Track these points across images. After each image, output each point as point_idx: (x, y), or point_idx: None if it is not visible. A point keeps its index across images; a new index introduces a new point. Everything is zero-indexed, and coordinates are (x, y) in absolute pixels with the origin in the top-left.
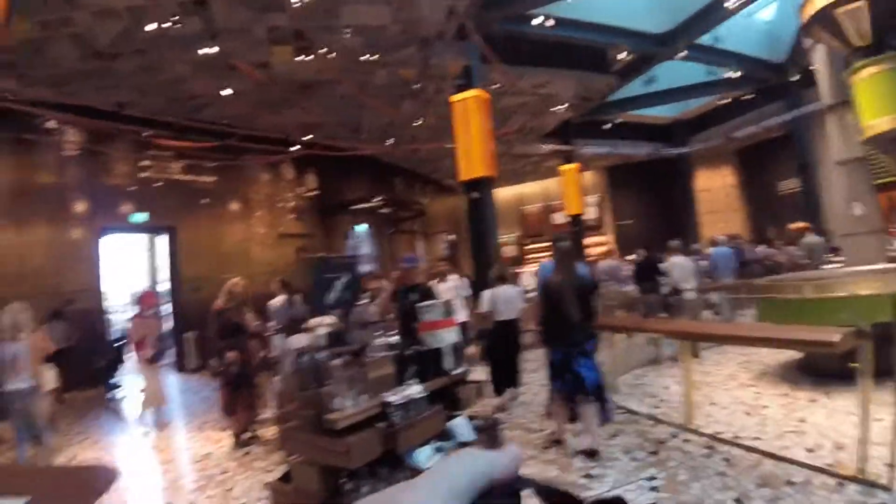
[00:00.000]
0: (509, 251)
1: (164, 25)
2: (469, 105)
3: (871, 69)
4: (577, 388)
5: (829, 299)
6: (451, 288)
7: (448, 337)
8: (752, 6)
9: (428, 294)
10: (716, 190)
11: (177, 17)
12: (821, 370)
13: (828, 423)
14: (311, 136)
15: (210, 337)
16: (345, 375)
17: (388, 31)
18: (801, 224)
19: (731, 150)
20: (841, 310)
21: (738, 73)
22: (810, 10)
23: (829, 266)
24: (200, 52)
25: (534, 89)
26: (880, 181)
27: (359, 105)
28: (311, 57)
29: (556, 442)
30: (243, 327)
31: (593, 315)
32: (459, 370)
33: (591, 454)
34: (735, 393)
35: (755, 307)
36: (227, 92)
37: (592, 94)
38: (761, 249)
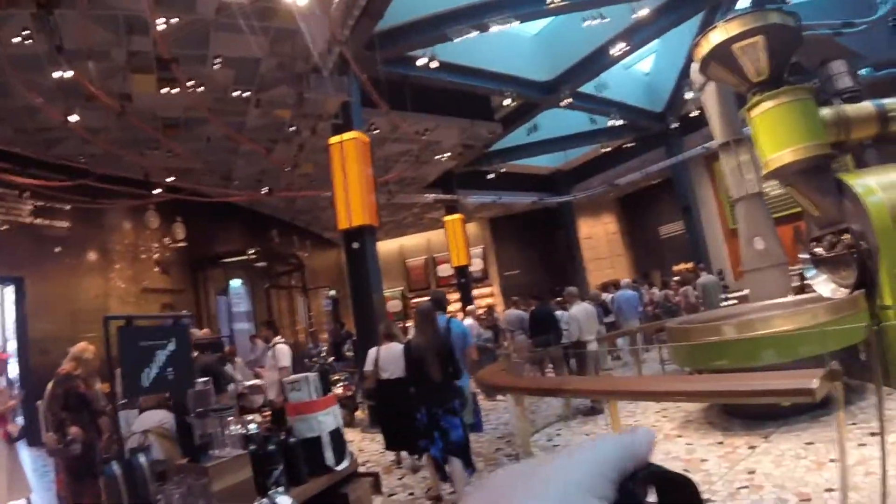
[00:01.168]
0: (393, 306)
1: (13, 41)
2: (347, 148)
3: (769, 104)
4: (445, 446)
5: (751, 339)
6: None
7: (326, 421)
8: (631, 58)
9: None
10: (598, 237)
11: (27, 32)
12: (748, 411)
13: (780, 472)
14: (174, 178)
15: (50, 408)
16: (176, 494)
17: (263, 65)
18: (687, 265)
19: (612, 198)
20: (764, 349)
21: (620, 122)
22: (705, 47)
23: (726, 304)
24: (54, 75)
25: (417, 136)
26: (782, 213)
27: (230, 150)
28: (178, 90)
29: (436, 498)
30: (91, 402)
31: (457, 373)
32: (345, 463)
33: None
34: (664, 447)
35: (671, 352)
36: (84, 124)
37: (476, 142)
38: (658, 292)
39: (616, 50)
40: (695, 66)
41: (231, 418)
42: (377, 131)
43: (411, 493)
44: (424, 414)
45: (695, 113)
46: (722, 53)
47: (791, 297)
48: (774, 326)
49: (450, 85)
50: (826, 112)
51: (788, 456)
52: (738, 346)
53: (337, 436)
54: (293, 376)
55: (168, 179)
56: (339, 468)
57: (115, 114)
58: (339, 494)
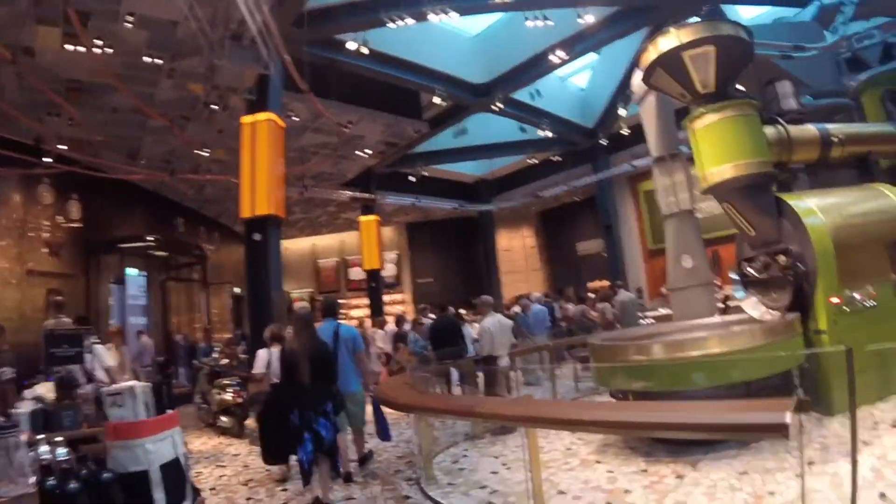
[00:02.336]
0: (300, 307)
1: None
2: (260, 129)
3: (713, 117)
4: (316, 447)
5: (681, 361)
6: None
7: (158, 451)
8: (568, 71)
9: None
10: (516, 250)
11: None
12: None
13: None
14: (71, 150)
15: None
16: None
17: (181, 29)
18: (602, 283)
19: (533, 212)
20: (694, 372)
21: (550, 134)
22: (653, 53)
23: (644, 322)
24: None
25: (339, 127)
26: (712, 235)
27: (138, 124)
28: (84, 49)
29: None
30: None
31: (332, 378)
32: None
33: (318, 502)
34: (583, 475)
35: (593, 371)
36: None
37: (401, 140)
38: (572, 307)
39: (555, 58)
40: (636, 77)
41: (22, 438)
42: (296, 119)
43: None
44: (297, 416)
45: (625, 131)
46: (670, 60)
47: (717, 318)
48: (707, 348)
49: (379, 76)
50: (770, 131)
51: (722, 488)
52: (667, 368)
53: (174, 470)
54: (115, 386)
55: (63, 147)
56: None
57: (10, 68)
58: None
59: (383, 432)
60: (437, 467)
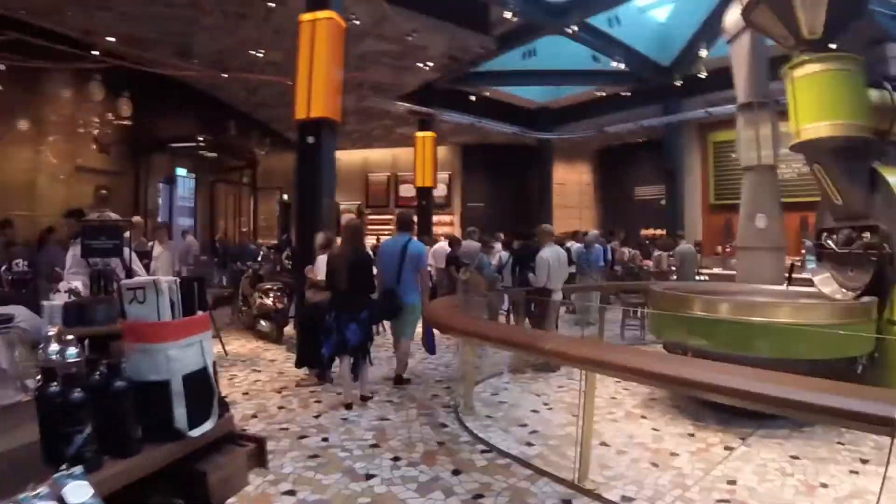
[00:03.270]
0: (349, 219)
1: None
2: (319, 28)
3: (816, 66)
4: (340, 349)
5: (747, 324)
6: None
7: (182, 358)
8: (649, 2)
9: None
10: (571, 184)
11: None
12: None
13: (764, 489)
14: (119, 44)
15: None
16: None
17: None
18: (656, 230)
19: (592, 148)
20: (758, 338)
21: (623, 67)
22: None
23: (699, 278)
24: None
25: (401, 35)
26: (793, 199)
27: (190, 20)
28: None
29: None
30: None
31: (368, 288)
32: (207, 425)
33: (347, 406)
34: (627, 428)
35: (650, 319)
36: None
37: (465, 55)
38: (625, 250)
39: None
40: (732, 11)
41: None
42: (357, 22)
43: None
44: (333, 320)
45: (702, 74)
46: None
47: (784, 287)
48: (777, 316)
49: None
50: (874, 94)
51: (772, 469)
52: (732, 328)
53: (200, 382)
54: (136, 279)
55: (112, 40)
56: (193, 433)
57: None
58: (194, 473)
59: (430, 346)
60: (476, 398)
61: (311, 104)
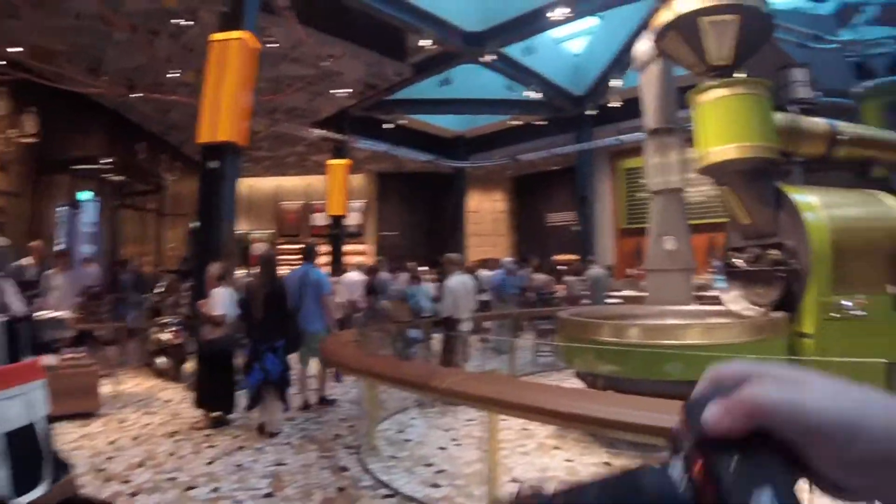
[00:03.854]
0: (259, 249)
1: None
2: (230, 49)
3: (724, 91)
4: (264, 379)
5: (660, 348)
6: None
7: (8, 413)
8: (564, 34)
9: None
10: (485, 213)
11: None
12: None
13: None
14: (26, 56)
15: None
16: None
17: None
18: (570, 256)
19: (506, 176)
20: (671, 362)
21: (538, 96)
22: (670, 14)
23: (610, 301)
24: None
25: (317, 60)
26: (701, 221)
27: (102, 34)
28: None
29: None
30: None
31: (283, 317)
32: (38, 490)
33: (262, 430)
34: (539, 461)
35: (561, 347)
36: None
37: (381, 83)
38: (539, 277)
39: (557, 14)
40: (642, 42)
41: None
42: (274, 44)
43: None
44: (250, 348)
45: (614, 104)
46: (687, 24)
47: (694, 307)
48: (687, 338)
49: (367, 9)
50: (779, 117)
51: None
52: (643, 353)
53: (27, 441)
54: None
55: (19, 50)
56: (21, 500)
57: None
58: None
59: (337, 374)
60: (380, 436)
61: (216, 127)
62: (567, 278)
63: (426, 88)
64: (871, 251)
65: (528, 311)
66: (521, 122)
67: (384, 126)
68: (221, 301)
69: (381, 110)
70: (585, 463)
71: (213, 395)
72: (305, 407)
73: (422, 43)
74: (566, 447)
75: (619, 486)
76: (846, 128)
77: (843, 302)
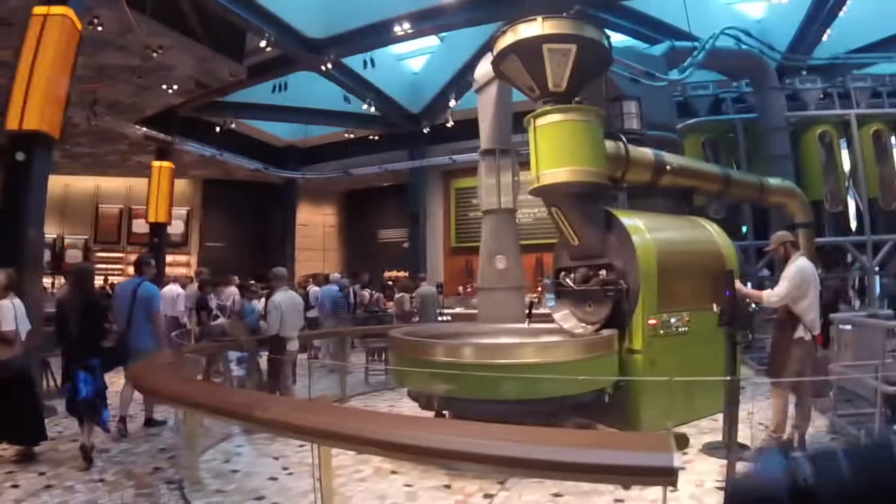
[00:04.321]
0: (73, 256)
1: None
2: (50, 26)
3: (559, 116)
4: (77, 399)
5: (496, 367)
6: None
7: None
8: (405, 51)
9: None
10: (315, 226)
11: None
12: None
13: None
14: None
15: None
16: None
17: None
18: (401, 273)
19: (338, 190)
20: (507, 382)
21: (374, 110)
22: (511, 38)
23: (442, 319)
24: None
25: (147, 51)
26: (530, 241)
27: None
28: None
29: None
30: None
31: (98, 333)
32: None
33: (84, 453)
34: (377, 488)
35: (394, 369)
36: None
37: (213, 82)
38: (368, 293)
39: (400, 29)
40: (483, 63)
41: None
42: (100, 28)
43: None
44: (65, 365)
45: (449, 124)
46: (528, 49)
47: (525, 325)
48: (523, 357)
49: (206, 1)
50: (610, 145)
51: None
52: (474, 373)
53: None
54: None
55: None
56: None
57: None
58: None
59: None
60: (204, 467)
61: (25, 113)
62: (397, 295)
63: (260, 93)
64: (694, 271)
65: (358, 328)
66: (355, 136)
67: (214, 129)
68: (9, 315)
69: (211, 112)
70: (426, 486)
71: (13, 425)
72: (124, 431)
73: (261, 44)
74: (404, 471)
75: (871, 457)
76: (671, 159)
77: (670, 318)
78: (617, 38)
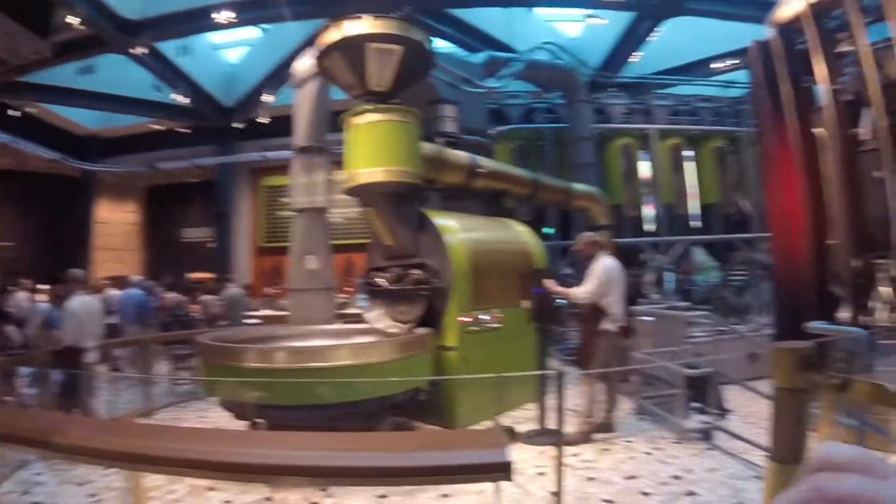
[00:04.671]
0: None
1: None
2: None
3: (377, 116)
4: None
5: (311, 371)
6: None
7: None
8: (223, 41)
9: None
10: (116, 225)
11: None
12: None
13: None
14: None
15: None
16: None
17: None
18: (205, 274)
19: (142, 185)
20: (323, 385)
21: (185, 101)
22: (336, 34)
23: (251, 321)
24: None
25: None
26: (341, 241)
27: None
28: None
29: None
30: None
31: None
32: None
33: None
34: None
35: (203, 376)
36: None
37: (13, 59)
38: (172, 296)
39: (220, 17)
40: (304, 59)
41: None
42: None
43: None
44: None
45: (263, 120)
46: (353, 47)
47: (337, 326)
48: (338, 359)
49: None
50: (427, 147)
51: None
52: (289, 379)
53: None
54: None
55: None
56: None
57: None
58: None
59: None
60: (4, 501)
61: None
62: (203, 297)
63: (63, 74)
64: (505, 270)
65: (162, 335)
66: (162, 127)
67: (8, 112)
68: None
69: (7, 93)
70: (246, 501)
71: None
72: None
73: (69, 20)
74: (222, 487)
75: None
76: (484, 162)
77: (482, 316)
78: (440, 44)
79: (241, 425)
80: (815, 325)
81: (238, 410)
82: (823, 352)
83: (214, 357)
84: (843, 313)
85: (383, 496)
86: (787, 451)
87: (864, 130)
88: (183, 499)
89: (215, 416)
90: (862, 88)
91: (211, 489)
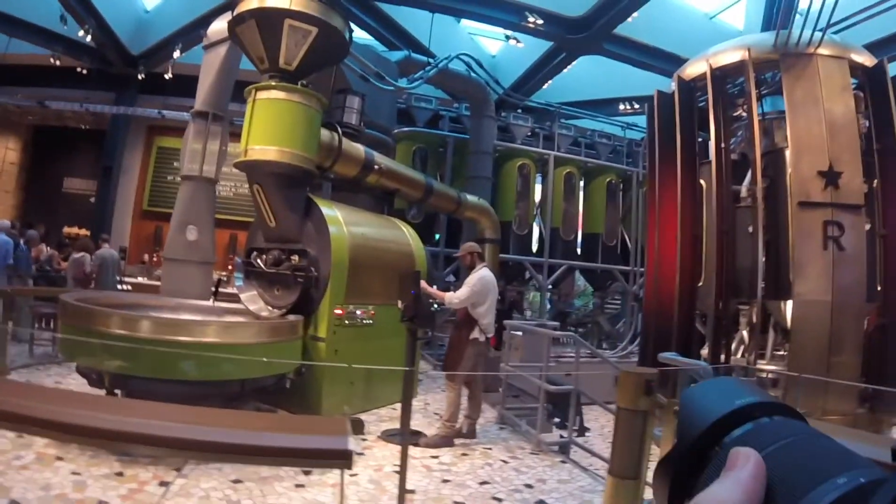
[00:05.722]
0: None
1: None
2: None
3: (280, 94)
4: None
5: (176, 345)
6: None
7: None
8: None
9: None
10: None
11: None
12: None
13: None
14: None
15: None
16: None
17: None
18: (82, 230)
19: (27, 123)
20: (186, 360)
21: (89, 39)
22: (255, 3)
23: (122, 287)
24: None
25: None
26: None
27: None
28: None
29: None
30: None
31: None
32: None
33: None
34: (41, 477)
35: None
36: None
37: None
38: (45, 248)
39: None
40: (220, 20)
41: None
42: None
43: None
44: None
45: (167, 75)
46: (269, 19)
47: (210, 303)
48: (205, 336)
49: None
50: (325, 134)
51: (217, 499)
52: (152, 350)
53: None
54: None
55: None
56: None
57: None
58: None
59: None
60: None
61: None
62: (76, 255)
63: None
64: (385, 268)
65: (27, 289)
66: (59, 63)
67: None
68: None
69: None
70: (96, 475)
71: None
72: None
73: None
74: (70, 457)
75: None
76: (381, 159)
77: (356, 310)
78: (359, 35)
79: (97, 394)
80: (666, 356)
81: (95, 378)
82: (668, 379)
83: (75, 319)
84: (704, 350)
85: (238, 481)
86: (626, 467)
87: (743, 188)
88: (30, 466)
89: (71, 382)
90: (748, 151)
91: (59, 458)
